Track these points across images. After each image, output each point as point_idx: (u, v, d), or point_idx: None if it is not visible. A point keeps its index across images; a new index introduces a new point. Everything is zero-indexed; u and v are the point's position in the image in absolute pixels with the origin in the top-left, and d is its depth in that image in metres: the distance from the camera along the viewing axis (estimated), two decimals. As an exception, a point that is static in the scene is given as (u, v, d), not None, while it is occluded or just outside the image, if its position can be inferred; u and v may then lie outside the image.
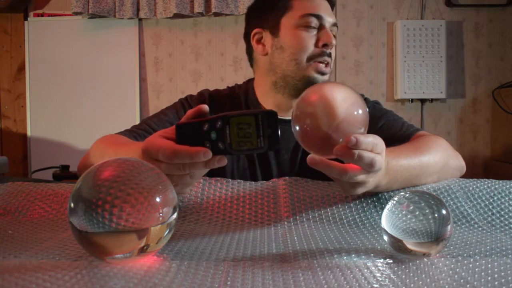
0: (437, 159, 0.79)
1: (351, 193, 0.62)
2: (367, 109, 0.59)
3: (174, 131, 0.59)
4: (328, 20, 0.98)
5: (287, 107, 1.02)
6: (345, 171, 0.56)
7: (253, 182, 0.78)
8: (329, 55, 0.98)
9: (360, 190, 0.62)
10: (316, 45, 0.97)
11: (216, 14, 2.38)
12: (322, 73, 0.97)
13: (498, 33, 2.43)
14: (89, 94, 2.43)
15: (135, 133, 0.95)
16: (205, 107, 0.60)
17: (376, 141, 0.57)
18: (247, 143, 0.53)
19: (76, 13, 2.36)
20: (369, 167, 0.56)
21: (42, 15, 2.46)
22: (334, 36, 0.99)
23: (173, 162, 0.55)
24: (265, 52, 1.02)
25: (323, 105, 0.56)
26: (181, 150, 0.55)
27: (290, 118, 1.00)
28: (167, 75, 2.47)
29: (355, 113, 0.57)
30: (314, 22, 0.97)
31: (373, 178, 0.61)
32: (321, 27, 0.98)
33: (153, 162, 0.56)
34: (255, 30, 1.04)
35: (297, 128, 0.57)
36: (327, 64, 0.98)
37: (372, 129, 0.95)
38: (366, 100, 1.06)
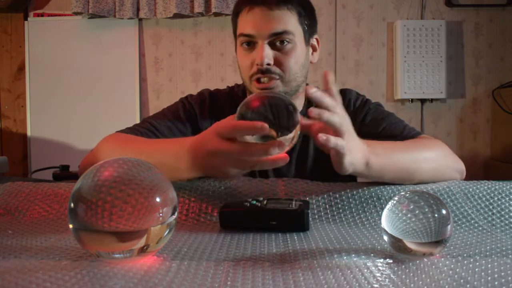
0: (434, 155, 0.80)
1: (342, 166, 0.66)
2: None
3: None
4: (263, 35, 0.93)
5: None
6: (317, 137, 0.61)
7: (251, 178, 0.78)
8: (266, 71, 0.93)
9: (347, 159, 0.65)
10: (254, 64, 0.95)
11: (216, 14, 2.38)
12: (265, 89, 0.94)
13: (498, 33, 2.43)
14: (89, 94, 2.43)
15: (137, 131, 0.95)
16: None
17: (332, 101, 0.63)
18: None
19: (76, 13, 2.36)
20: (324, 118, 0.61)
21: (42, 15, 2.46)
22: (284, 42, 0.94)
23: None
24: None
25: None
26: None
27: None
28: (167, 75, 2.47)
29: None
30: (247, 41, 0.96)
31: (351, 142, 0.65)
32: (256, 44, 0.95)
33: (222, 141, 0.61)
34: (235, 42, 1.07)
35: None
36: (272, 79, 0.94)
37: (374, 132, 0.97)
38: (367, 102, 1.06)
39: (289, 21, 0.94)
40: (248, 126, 0.58)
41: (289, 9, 0.95)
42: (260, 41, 0.94)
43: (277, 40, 0.94)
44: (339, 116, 0.63)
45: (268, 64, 0.93)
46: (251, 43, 0.96)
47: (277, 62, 0.94)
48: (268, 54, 0.93)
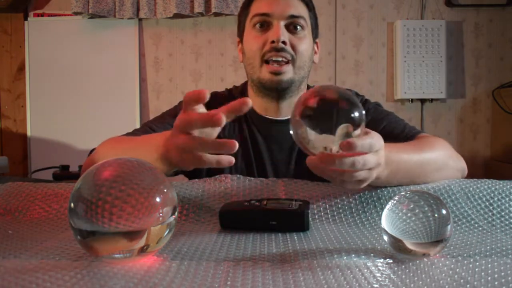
0: (438, 157, 0.80)
1: (354, 188, 0.64)
2: (362, 109, 0.56)
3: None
4: (279, 15, 0.96)
5: (274, 108, 1.02)
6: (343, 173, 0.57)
7: (252, 179, 0.78)
8: (280, 50, 0.94)
9: (363, 185, 0.62)
10: (268, 43, 0.96)
11: (216, 14, 2.38)
12: (276, 73, 0.95)
13: (498, 33, 2.43)
14: (89, 94, 2.43)
15: (137, 135, 0.95)
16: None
17: (373, 140, 0.56)
18: None
19: (76, 13, 2.36)
20: (363, 166, 0.56)
21: (42, 15, 2.46)
22: (297, 27, 0.96)
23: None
24: (241, 59, 1.06)
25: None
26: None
27: (281, 118, 1.01)
28: (167, 75, 2.47)
29: (352, 115, 0.54)
30: (262, 21, 0.97)
31: (375, 172, 0.61)
32: (271, 25, 0.97)
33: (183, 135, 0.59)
34: (238, 39, 1.08)
35: (293, 132, 0.57)
36: (282, 63, 0.95)
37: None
38: (366, 101, 1.06)
39: (303, 10, 0.99)
40: (202, 117, 0.56)
41: (303, 1, 1.00)
42: (276, 21, 0.96)
43: (292, 24, 0.97)
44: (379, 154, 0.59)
45: (283, 43, 0.95)
46: (265, 23, 0.97)
47: (291, 44, 0.96)
48: (284, 33, 0.95)
